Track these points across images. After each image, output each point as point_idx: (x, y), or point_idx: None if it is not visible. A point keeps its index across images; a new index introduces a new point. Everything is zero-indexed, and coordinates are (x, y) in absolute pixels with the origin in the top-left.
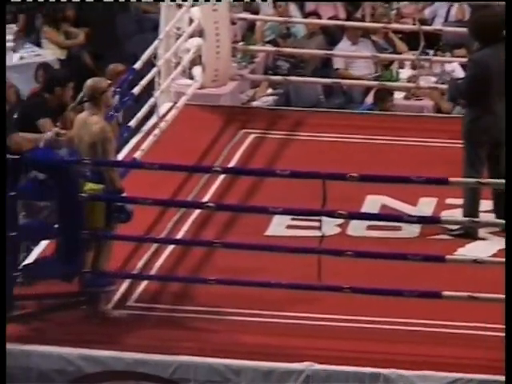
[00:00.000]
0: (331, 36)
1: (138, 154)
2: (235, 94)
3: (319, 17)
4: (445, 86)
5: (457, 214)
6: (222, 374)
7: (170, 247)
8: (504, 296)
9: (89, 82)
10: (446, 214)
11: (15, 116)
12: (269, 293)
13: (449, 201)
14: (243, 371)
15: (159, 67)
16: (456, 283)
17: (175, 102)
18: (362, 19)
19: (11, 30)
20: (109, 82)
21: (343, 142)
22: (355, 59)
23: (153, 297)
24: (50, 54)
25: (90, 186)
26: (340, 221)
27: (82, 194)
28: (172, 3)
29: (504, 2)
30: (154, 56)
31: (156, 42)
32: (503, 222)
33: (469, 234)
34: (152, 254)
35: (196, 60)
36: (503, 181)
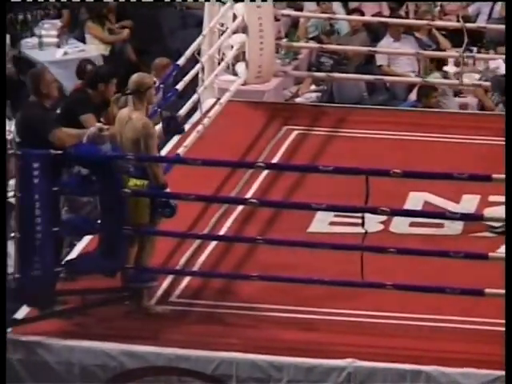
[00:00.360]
0: (374, 33)
1: (181, 150)
2: (278, 90)
3: (362, 14)
4: (488, 84)
5: (500, 212)
6: (264, 370)
7: (213, 243)
8: None
9: (134, 76)
10: (488, 211)
11: (58, 111)
12: (311, 289)
13: (492, 198)
14: (285, 368)
15: (203, 63)
16: (498, 281)
17: (218, 98)
18: (406, 16)
19: (55, 25)
20: (154, 78)
21: (386, 139)
22: (398, 56)
23: (195, 293)
24: (93, 49)
25: (134, 181)
26: (383, 217)
27: (125, 190)
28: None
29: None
30: (198, 52)
31: (200, 38)
32: None
33: None
34: (195, 250)
35: (239, 56)
36: None
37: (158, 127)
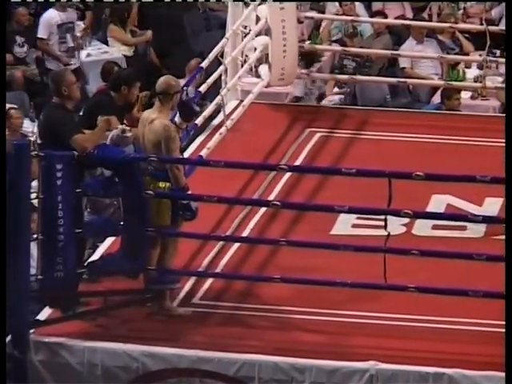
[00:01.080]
0: (398, 35)
1: (204, 152)
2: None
3: (385, 16)
4: None
5: None
6: (287, 372)
7: (235, 245)
8: None
9: (163, 78)
10: None
11: (80, 113)
12: (334, 291)
13: None
14: (307, 370)
15: (226, 65)
16: None
17: (241, 100)
18: (429, 19)
19: (78, 27)
20: (181, 85)
21: (409, 142)
22: (421, 58)
23: (217, 295)
24: (116, 51)
25: (156, 183)
26: (405, 220)
27: (148, 192)
28: (239, 2)
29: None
30: (221, 54)
31: (223, 40)
32: None
33: None
34: (217, 252)
35: (262, 58)
36: None
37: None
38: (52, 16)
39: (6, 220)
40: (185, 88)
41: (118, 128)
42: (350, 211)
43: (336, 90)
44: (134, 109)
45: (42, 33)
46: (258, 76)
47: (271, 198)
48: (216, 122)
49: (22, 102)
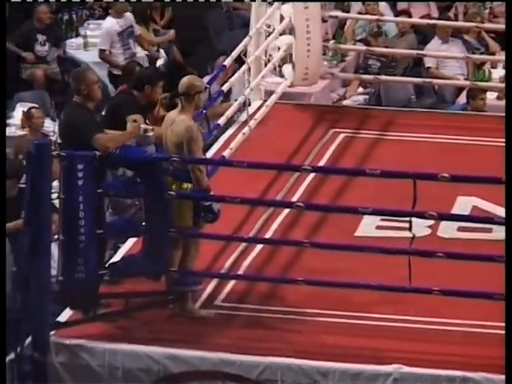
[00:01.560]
0: (423, 35)
1: (226, 153)
2: (325, 92)
3: (410, 15)
4: None
5: None
6: (310, 375)
7: (258, 247)
8: None
9: (186, 79)
10: None
11: (103, 113)
12: (358, 294)
13: None
14: (331, 373)
15: (249, 65)
16: None
17: (265, 100)
18: (455, 18)
19: (100, 26)
20: (205, 84)
21: (434, 142)
22: (446, 58)
23: (240, 297)
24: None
25: (179, 184)
26: (430, 222)
27: (170, 193)
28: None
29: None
30: (244, 53)
31: (246, 39)
32: None
33: None
34: (240, 254)
35: (286, 58)
36: None
37: None
38: (110, 25)
39: (5, 220)
40: (207, 86)
41: (141, 128)
42: (375, 213)
43: (360, 90)
44: (157, 107)
45: (103, 44)
46: (282, 76)
47: (294, 199)
48: (239, 122)
49: (43, 101)
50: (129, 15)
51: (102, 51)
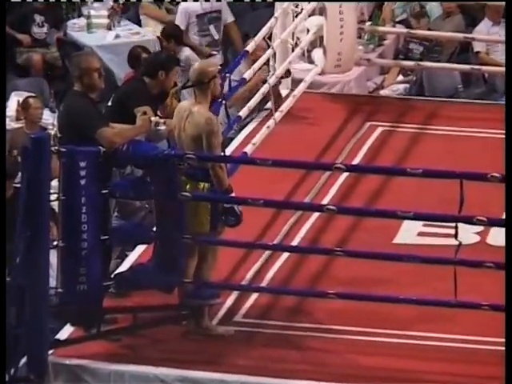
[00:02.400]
0: (471, 16)
1: (248, 149)
2: (361, 81)
3: None
4: None
5: None
6: None
7: (284, 255)
8: None
9: (196, 65)
10: None
11: (109, 103)
12: (396, 309)
13: None
14: None
15: (274, 49)
16: None
17: (292, 90)
18: None
19: (106, 5)
20: (219, 67)
21: (483, 138)
22: (498, 42)
23: (263, 312)
24: (149, 31)
25: (193, 184)
26: (479, 228)
27: (185, 194)
28: None
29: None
30: (269, 36)
31: (271, 21)
32: None
33: None
34: (263, 263)
35: (316, 42)
36: None
37: None
38: (190, 4)
39: (5, 220)
40: (227, 75)
41: (152, 120)
42: (416, 217)
43: (400, 78)
44: (169, 99)
45: (178, 23)
46: (311, 62)
47: (325, 201)
48: (262, 114)
49: (41, 90)
50: None
51: None
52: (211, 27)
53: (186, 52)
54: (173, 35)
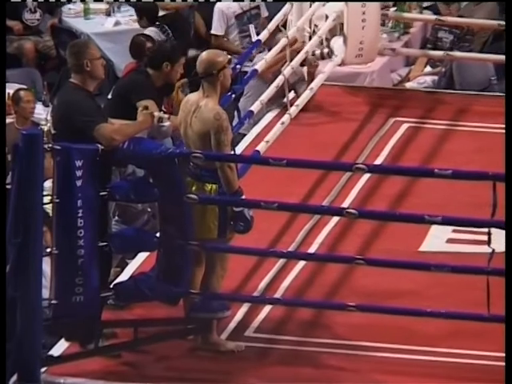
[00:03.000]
0: (506, 1)
1: (261, 147)
2: (384, 72)
3: None
4: None
5: None
6: None
7: (300, 264)
8: None
9: (204, 54)
10: None
11: (109, 97)
12: (423, 323)
13: None
14: None
15: (289, 38)
16: None
17: (309, 82)
18: None
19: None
20: (229, 56)
21: None
22: None
23: (277, 326)
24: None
25: (204, 186)
26: None
27: (191, 196)
28: None
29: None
30: (284, 24)
31: (286, 6)
32: None
33: None
34: (277, 272)
35: (336, 29)
36: None
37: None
38: (227, 4)
39: (5, 220)
40: (238, 66)
41: (155, 116)
42: (445, 222)
43: (428, 69)
44: (175, 92)
45: (216, 28)
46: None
47: (345, 204)
48: (276, 108)
49: (34, 82)
50: None
51: (216, 37)
52: (251, 26)
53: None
54: (146, 11)
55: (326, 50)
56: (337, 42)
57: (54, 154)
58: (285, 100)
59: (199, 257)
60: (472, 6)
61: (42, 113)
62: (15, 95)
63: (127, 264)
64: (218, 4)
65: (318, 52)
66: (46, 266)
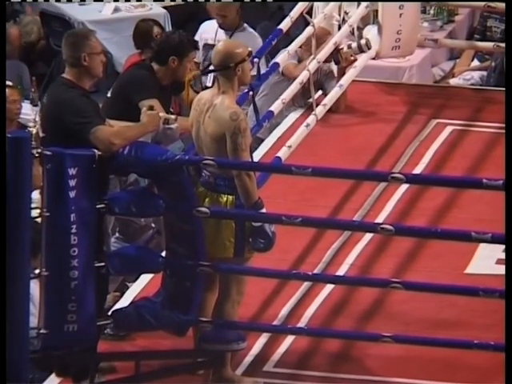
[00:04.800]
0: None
1: (282, 153)
2: (425, 67)
3: None
4: None
5: None
6: None
7: (328, 287)
8: None
9: (221, 45)
10: None
11: (108, 95)
12: (469, 356)
13: None
14: None
15: (315, 27)
16: None
17: (339, 78)
18: None
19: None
20: (250, 48)
21: None
22: None
23: (301, 359)
24: (157, 4)
25: (218, 197)
26: None
27: (202, 209)
28: None
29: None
30: (309, 11)
31: None
32: None
33: None
34: (301, 297)
35: (369, 17)
36: None
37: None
38: None
39: (5, 220)
40: (255, 60)
41: (161, 117)
42: (495, 240)
43: (475, 63)
44: (185, 89)
45: None
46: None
47: (380, 219)
48: (300, 108)
49: (20, 77)
50: None
51: None
52: None
53: None
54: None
55: (363, 42)
56: (370, 32)
57: (44, 161)
58: (310, 99)
59: (212, 279)
60: None
61: (29, 113)
62: None
63: (128, 288)
64: None
65: (354, 45)
66: (35, 289)
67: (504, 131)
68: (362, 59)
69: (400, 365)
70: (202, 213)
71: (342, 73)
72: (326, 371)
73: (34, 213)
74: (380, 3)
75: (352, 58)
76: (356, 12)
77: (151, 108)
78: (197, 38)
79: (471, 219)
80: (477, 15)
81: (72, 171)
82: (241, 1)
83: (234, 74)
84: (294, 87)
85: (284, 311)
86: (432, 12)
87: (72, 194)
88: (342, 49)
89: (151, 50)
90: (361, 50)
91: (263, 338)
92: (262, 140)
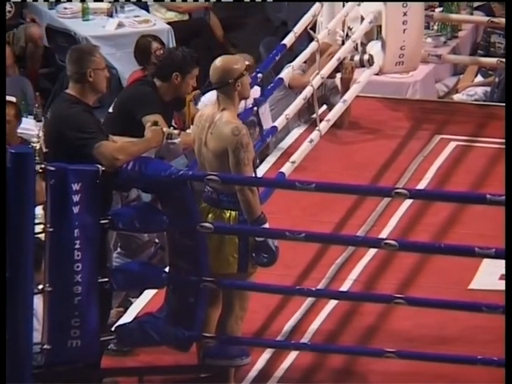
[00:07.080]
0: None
1: (286, 168)
2: (429, 82)
3: None
4: None
5: None
6: None
7: (331, 303)
8: None
9: (218, 61)
10: None
11: (110, 110)
12: (473, 372)
13: None
14: None
15: (319, 42)
16: None
17: (343, 93)
18: None
19: None
20: (247, 62)
21: None
22: None
23: (305, 375)
24: (161, 20)
25: (221, 213)
26: None
27: (205, 225)
28: None
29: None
30: (312, 26)
31: (315, 6)
32: None
33: None
34: (305, 313)
35: (373, 33)
36: None
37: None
38: None
39: (5, 220)
40: (259, 75)
41: (164, 132)
42: (499, 256)
43: (479, 79)
44: (187, 106)
45: None
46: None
47: (384, 235)
48: (304, 123)
49: (23, 92)
50: None
51: None
52: None
53: None
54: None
55: (366, 57)
56: (374, 48)
57: (47, 176)
58: (314, 115)
59: (215, 295)
60: None
61: (33, 128)
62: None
63: (131, 303)
64: None
65: (357, 58)
66: (38, 305)
67: None
68: (366, 75)
69: (403, 380)
70: (205, 228)
71: (344, 85)
72: None
73: (38, 228)
74: (383, 19)
75: (352, 70)
76: (360, 27)
77: (156, 123)
78: None
79: (475, 235)
80: (480, 31)
81: (76, 187)
82: (241, 0)
83: (233, 89)
84: (297, 102)
85: (287, 327)
86: (436, 28)
87: (76, 210)
88: (345, 59)
89: (154, 66)
90: (362, 64)
91: (267, 354)
92: (266, 155)
